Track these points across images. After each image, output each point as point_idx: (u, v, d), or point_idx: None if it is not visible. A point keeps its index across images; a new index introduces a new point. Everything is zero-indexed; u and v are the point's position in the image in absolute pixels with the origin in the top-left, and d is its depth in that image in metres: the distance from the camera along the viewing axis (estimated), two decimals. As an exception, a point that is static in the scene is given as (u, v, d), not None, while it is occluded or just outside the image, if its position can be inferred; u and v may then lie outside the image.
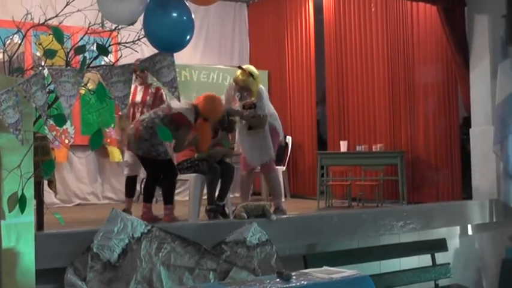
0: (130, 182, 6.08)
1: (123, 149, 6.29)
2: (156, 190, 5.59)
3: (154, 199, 5.63)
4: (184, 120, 5.29)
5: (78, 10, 3.53)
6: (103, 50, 3.33)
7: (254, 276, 4.37)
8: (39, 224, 4.21)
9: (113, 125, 7.52)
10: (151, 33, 3.31)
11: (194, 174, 5.65)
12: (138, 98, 5.98)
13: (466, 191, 6.93)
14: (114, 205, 5.78)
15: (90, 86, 3.45)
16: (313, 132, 8.93)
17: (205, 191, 5.70)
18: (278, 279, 3.61)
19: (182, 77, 8.58)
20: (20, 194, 3.06)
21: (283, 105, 9.21)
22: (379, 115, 7.98)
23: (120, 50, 3.52)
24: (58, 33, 3.22)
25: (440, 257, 5.68)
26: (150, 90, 6.04)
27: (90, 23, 3.47)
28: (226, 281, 4.18)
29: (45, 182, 4.38)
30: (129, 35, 3.45)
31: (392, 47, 7.80)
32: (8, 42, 3.50)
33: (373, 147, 7.72)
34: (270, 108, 6.04)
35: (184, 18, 3.32)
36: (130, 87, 3.41)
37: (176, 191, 6.91)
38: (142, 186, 5.94)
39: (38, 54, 6.98)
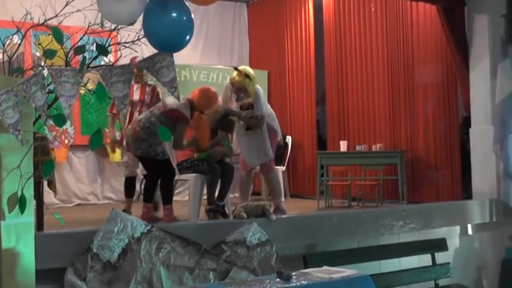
0: (129, 182, 6.08)
1: (114, 148, 6.31)
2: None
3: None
4: (180, 115, 5.30)
5: (78, 10, 3.53)
6: (102, 50, 3.33)
7: (254, 276, 4.37)
8: (39, 224, 4.21)
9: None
10: (150, 33, 3.31)
11: (194, 174, 5.65)
12: (136, 97, 5.98)
13: (466, 191, 6.93)
14: (114, 205, 5.78)
15: (90, 86, 3.45)
16: (313, 132, 8.93)
17: (205, 191, 5.70)
18: (278, 279, 3.62)
19: (182, 77, 8.58)
20: (19, 194, 3.06)
21: (283, 105, 9.22)
22: (379, 115, 7.97)
23: (119, 50, 3.53)
24: (58, 34, 3.22)
25: (440, 257, 5.68)
26: (147, 89, 6.05)
27: (89, 23, 3.47)
28: (226, 281, 4.18)
29: (45, 182, 4.38)
30: (129, 35, 3.45)
31: (392, 47, 7.80)
32: (7, 42, 3.51)
33: (373, 147, 7.72)
34: (267, 108, 6.04)
35: (184, 18, 3.33)
36: (130, 87, 3.41)
37: (176, 191, 6.94)
38: (142, 186, 5.95)
39: (38, 54, 6.99)
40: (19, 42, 3.53)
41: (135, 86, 6.02)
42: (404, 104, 7.66)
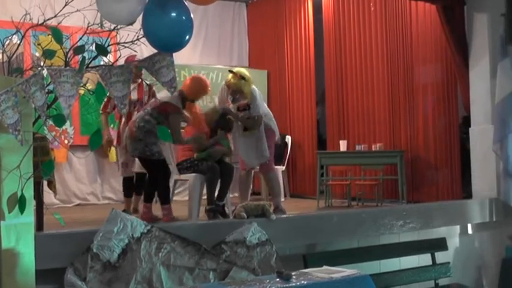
0: (127, 182, 6.08)
1: (109, 147, 6.31)
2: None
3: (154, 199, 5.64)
4: (170, 107, 5.32)
5: (77, 10, 3.53)
6: (102, 50, 3.33)
7: (254, 276, 4.37)
8: (39, 225, 4.21)
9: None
10: (150, 33, 3.31)
11: (194, 174, 5.65)
12: (134, 96, 5.98)
13: (465, 190, 6.92)
14: (114, 205, 5.79)
15: (89, 86, 3.45)
16: (313, 131, 8.93)
17: (205, 190, 5.70)
18: (278, 279, 3.61)
19: (181, 77, 8.56)
20: (19, 194, 3.06)
21: (282, 104, 9.22)
22: (379, 114, 7.97)
23: (119, 50, 3.53)
24: (57, 34, 3.22)
25: (440, 256, 5.68)
26: (144, 89, 6.05)
27: (89, 23, 3.47)
28: (226, 281, 4.18)
29: (45, 182, 4.38)
30: (128, 35, 3.45)
31: (392, 47, 7.79)
32: (7, 42, 3.51)
33: (373, 146, 7.71)
34: (264, 108, 6.05)
35: (183, 18, 3.33)
36: (129, 87, 3.41)
37: (176, 191, 6.94)
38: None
39: (37, 54, 6.98)
40: (18, 42, 3.53)
41: (132, 86, 6.02)
42: (404, 103, 7.65)
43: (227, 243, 4.50)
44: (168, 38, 3.30)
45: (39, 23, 3.45)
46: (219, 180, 5.59)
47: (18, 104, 3.02)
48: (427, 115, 7.44)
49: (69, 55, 3.34)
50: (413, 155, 7.55)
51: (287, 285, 3.50)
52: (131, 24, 3.35)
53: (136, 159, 5.66)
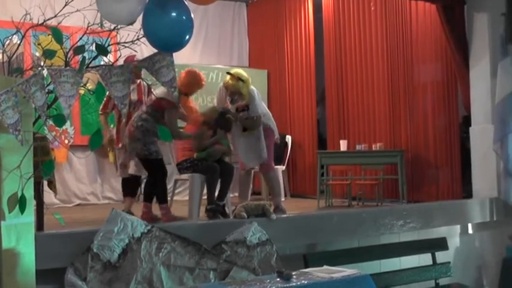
0: (126, 183, 6.08)
1: (109, 147, 6.30)
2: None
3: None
4: (165, 103, 5.30)
5: (77, 10, 3.53)
6: (102, 50, 3.33)
7: (254, 275, 4.37)
8: (39, 225, 4.21)
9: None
10: (150, 33, 3.31)
11: (194, 174, 5.65)
12: (134, 96, 5.97)
13: (466, 190, 6.92)
14: (114, 205, 5.77)
15: (90, 86, 3.45)
16: (313, 131, 8.93)
17: (205, 190, 5.70)
18: (278, 279, 3.62)
19: (181, 77, 8.57)
20: (19, 194, 3.06)
21: (282, 104, 9.22)
22: (379, 114, 7.97)
23: (119, 50, 3.53)
24: (57, 34, 3.22)
25: (441, 256, 5.67)
26: (143, 89, 6.05)
27: (89, 23, 3.47)
28: (226, 281, 4.19)
29: (45, 182, 4.38)
30: (128, 34, 3.45)
31: (392, 46, 7.79)
32: (7, 42, 3.50)
33: (373, 146, 7.71)
34: (262, 108, 6.05)
35: (184, 17, 3.33)
36: (129, 87, 3.41)
37: (176, 191, 6.93)
38: (142, 186, 5.95)
39: (37, 54, 6.98)
40: (18, 42, 3.53)
41: (132, 86, 6.01)
42: (404, 103, 7.65)
43: (227, 243, 4.50)
44: (168, 37, 3.30)
45: (39, 23, 3.45)
46: (219, 180, 5.59)
47: (19, 104, 3.01)
48: (427, 115, 7.44)
49: (69, 55, 3.34)
50: (414, 154, 7.55)
51: (287, 285, 3.50)
52: (131, 24, 3.35)
53: (132, 161, 5.67)
